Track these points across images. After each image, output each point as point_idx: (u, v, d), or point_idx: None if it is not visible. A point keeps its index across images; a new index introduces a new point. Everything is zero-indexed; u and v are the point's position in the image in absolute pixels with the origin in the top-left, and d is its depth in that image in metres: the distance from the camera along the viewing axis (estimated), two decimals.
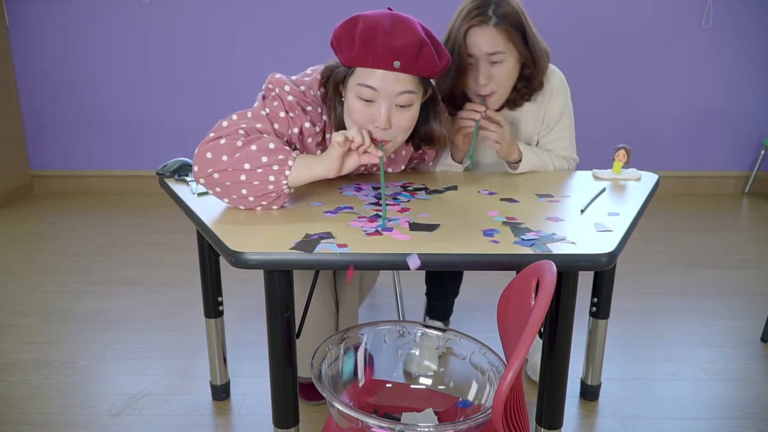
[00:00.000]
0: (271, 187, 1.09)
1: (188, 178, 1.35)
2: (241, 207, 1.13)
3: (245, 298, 2.05)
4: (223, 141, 1.09)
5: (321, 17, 3.12)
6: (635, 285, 2.22)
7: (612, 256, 0.94)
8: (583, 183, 1.38)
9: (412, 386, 1.11)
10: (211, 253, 1.42)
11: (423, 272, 1.84)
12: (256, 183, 1.08)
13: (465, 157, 1.40)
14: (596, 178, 1.43)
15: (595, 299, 1.46)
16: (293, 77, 1.24)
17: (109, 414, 1.49)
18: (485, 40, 1.31)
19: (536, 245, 0.95)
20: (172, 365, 1.71)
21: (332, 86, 1.18)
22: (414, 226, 1.05)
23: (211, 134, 1.12)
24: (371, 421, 0.87)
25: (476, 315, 1.98)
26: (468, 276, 2.13)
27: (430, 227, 1.05)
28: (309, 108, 1.21)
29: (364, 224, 1.06)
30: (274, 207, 1.13)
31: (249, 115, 1.17)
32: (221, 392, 1.55)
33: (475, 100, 1.40)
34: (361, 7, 1.28)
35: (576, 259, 0.94)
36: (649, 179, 1.42)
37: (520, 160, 1.43)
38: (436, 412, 1.04)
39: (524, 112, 1.48)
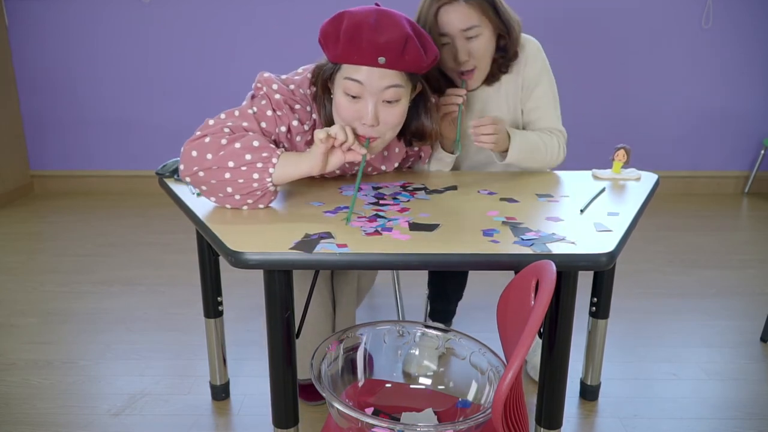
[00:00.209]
0: (255, 184, 1.09)
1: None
2: (228, 206, 1.14)
3: (245, 298, 2.05)
4: (207, 139, 1.10)
5: (321, 17, 3.09)
6: (635, 285, 2.22)
7: (612, 256, 0.94)
8: (583, 183, 1.38)
9: (412, 386, 1.12)
10: (211, 253, 1.42)
11: (424, 273, 1.84)
12: (240, 181, 1.09)
13: (453, 144, 1.39)
14: (596, 177, 1.43)
15: (595, 299, 1.46)
16: (283, 76, 1.24)
17: (109, 414, 1.49)
18: (458, 17, 1.31)
19: (536, 245, 0.95)
20: (172, 365, 1.71)
21: (321, 83, 1.19)
22: (414, 226, 1.05)
23: (198, 132, 1.13)
24: (371, 421, 0.87)
25: (476, 315, 1.98)
26: (468, 276, 2.12)
27: (430, 227, 1.05)
28: (297, 106, 1.20)
29: (364, 224, 1.06)
30: (260, 206, 1.14)
31: (236, 113, 1.17)
32: (221, 392, 1.55)
33: (457, 79, 1.40)
34: (359, 5, 1.27)
35: (576, 259, 0.94)
36: (648, 179, 1.42)
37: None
38: (435, 412, 1.04)
39: (503, 84, 1.46)
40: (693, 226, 2.93)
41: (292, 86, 1.21)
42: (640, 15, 3.25)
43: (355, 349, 1.10)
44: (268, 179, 1.09)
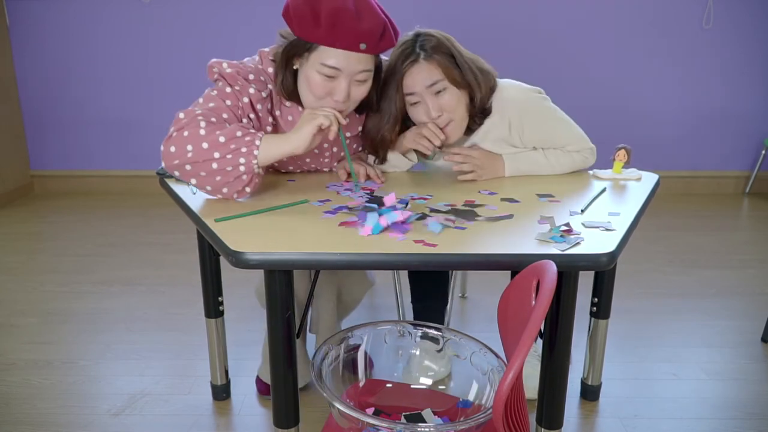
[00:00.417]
0: (242, 168, 1.13)
1: None
2: (219, 196, 1.17)
3: (245, 298, 2.05)
4: (186, 132, 1.13)
5: None
6: (635, 285, 2.22)
7: (612, 256, 0.94)
8: (584, 183, 1.38)
9: (412, 386, 1.11)
10: (211, 253, 1.42)
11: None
12: (228, 168, 1.13)
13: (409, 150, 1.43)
14: (597, 178, 1.43)
15: (596, 299, 1.46)
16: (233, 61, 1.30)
17: (109, 414, 1.49)
18: (421, 76, 1.32)
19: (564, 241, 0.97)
20: (172, 365, 1.71)
21: (285, 57, 1.23)
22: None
23: (171, 128, 1.17)
24: (372, 421, 0.87)
25: (476, 315, 1.98)
26: (468, 276, 2.13)
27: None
28: (251, 76, 1.26)
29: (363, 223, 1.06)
30: (248, 189, 1.17)
31: (200, 100, 1.23)
32: (221, 392, 1.55)
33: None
34: None
35: (576, 259, 0.94)
36: (649, 179, 1.42)
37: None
38: (435, 413, 1.04)
39: (483, 131, 1.43)
40: (693, 226, 2.93)
41: (241, 62, 1.28)
42: (641, 15, 3.25)
43: (355, 349, 1.10)
44: (254, 161, 1.14)
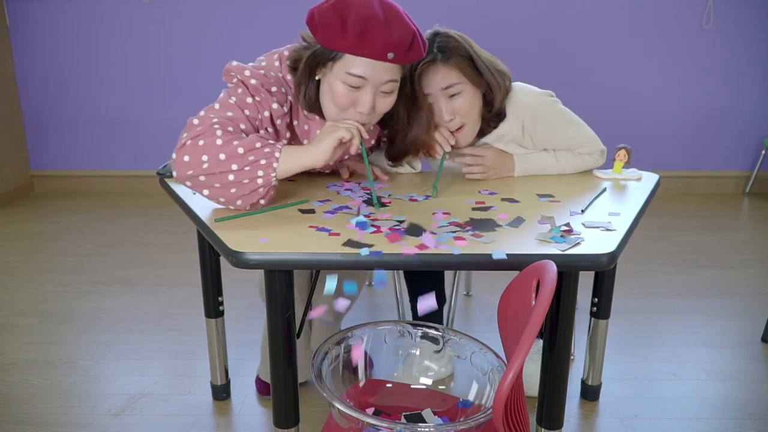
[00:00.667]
0: (260, 181, 1.08)
1: None
2: (231, 207, 1.12)
3: (245, 298, 2.05)
4: (201, 141, 1.07)
5: None
6: (636, 285, 2.22)
7: (613, 256, 0.94)
8: (584, 183, 1.38)
9: (412, 386, 1.11)
10: (211, 253, 1.42)
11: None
12: (245, 181, 1.07)
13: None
14: (597, 178, 1.43)
15: (596, 299, 1.46)
16: (250, 64, 1.24)
17: (109, 414, 1.49)
18: (437, 78, 1.30)
19: (564, 241, 0.96)
20: (172, 365, 1.71)
21: (309, 67, 1.17)
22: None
23: (184, 135, 1.10)
24: (372, 421, 0.87)
25: (476, 315, 1.98)
26: (472, 273, 2.13)
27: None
28: (273, 89, 1.20)
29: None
30: (262, 202, 1.13)
31: (216, 106, 1.16)
32: (221, 392, 1.55)
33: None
34: None
35: (576, 259, 0.94)
36: (649, 179, 1.42)
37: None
38: (435, 413, 1.04)
39: (497, 135, 1.44)
40: (693, 226, 2.93)
41: (262, 71, 1.20)
42: (641, 15, 3.25)
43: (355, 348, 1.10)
44: (273, 174, 1.09)
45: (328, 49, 1.12)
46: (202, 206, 1.15)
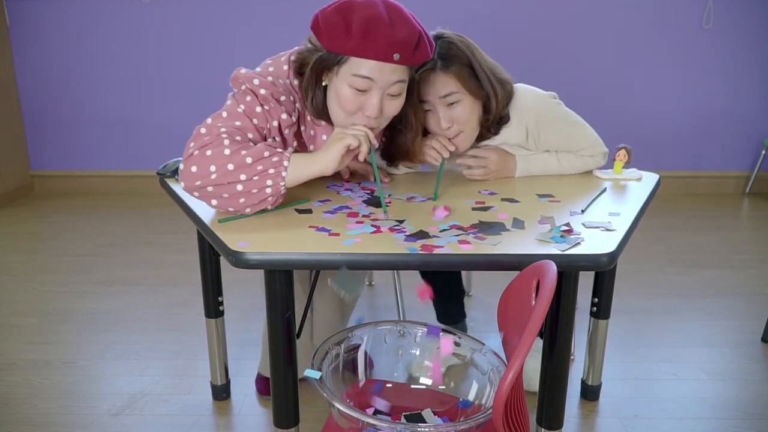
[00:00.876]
0: (269, 190, 1.07)
1: None
2: (239, 213, 1.11)
3: (245, 298, 2.05)
4: (209, 152, 1.05)
5: None
6: (636, 285, 2.22)
7: (613, 256, 0.94)
8: (584, 183, 1.38)
9: (412, 386, 1.11)
10: (211, 253, 1.42)
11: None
12: (254, 191, 1.06)
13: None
14: (597, 178, 1.43)
15: (596, 299, 1.46)
16: (257, 69, 1.21)
17: (109, 414, 1.49)
18: (435, 86, 1.29)
19: (564, 241, 0.96)
20: (172, 365, 1.71)
21: (315, 73, 1.15)
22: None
23: (191, 144, 1.08)
24: (372, 421, 0.87)
25: (476, 315, 1.98)
26: (472, 273, 2.12)
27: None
28: (282, 98, 1.18)
29: (363, 223, 1.06)
30: (269, 208, 1.12)
31: (224, 114, 1.13)
32: (221, 392, 1.55)
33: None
34: None
35: (576, 259, 0.94)
36: (650, 179, 1.42)
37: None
38: (435, 413, 1.04)
39: (500, 140, 1.43)
40: (693, 226, 2.93)
41: (270, 78, 1.18)
42: (641, 15, 3.25)
43: (355, 349, 1.10)
44: (282, 183, 1.07)
45: (333, 53, 1.10)
46: (202, 206, 1.15)
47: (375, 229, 1.03)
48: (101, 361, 1.73)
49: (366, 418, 0.88)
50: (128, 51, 3.34)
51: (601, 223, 1.08)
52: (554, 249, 0.94)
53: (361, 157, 1.13)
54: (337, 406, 0.90)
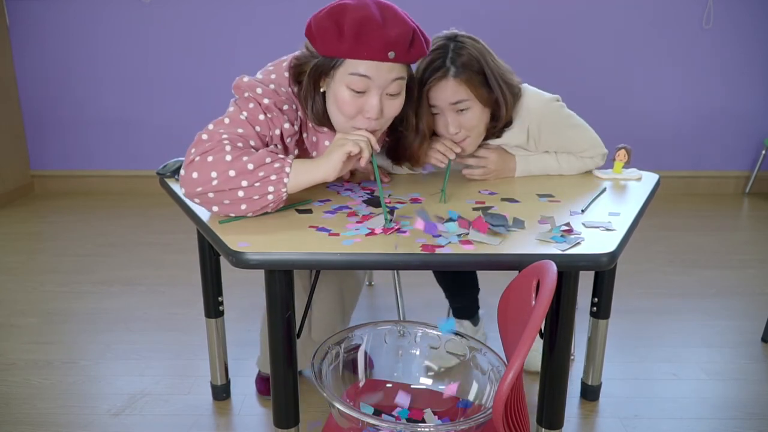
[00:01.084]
0: (270, 197, 1.06)
1: None
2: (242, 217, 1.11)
3: (245, 298, 2.05)
4: (210, 158, 1.05)
5: None
6: (636, 285, 2.22)
7: (613, 256, 0.94)
8: (584, 183, 1.38)
9: (412, 386, 1.12)
10: (211, 253, 1.42)
11: (425, 273, 1.84)
12: (256, 197, 1.06)
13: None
14: (597, 178, 1.43)
15: (596, 299, 1.46)
16: (259, 76, 1.20)
17: (109, 414, 1.49)
18: (446, 93, 1.28)
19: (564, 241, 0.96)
20: (172, 365, 1.71)
21: (313, 80, 1.14)
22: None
23: (192, 151, 1.07)
24: (371, 421, 0.87)
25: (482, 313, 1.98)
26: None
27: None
28: (285, 107, 1.17)
29: (362, 223, 1.06)
30: (270, 212, 1.12)
31: (226, 121, 1.12)
32: (221, 392, 1.55)
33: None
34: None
35: (576, 259, 0.94)
36: (649, 179, 1.42)
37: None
38: (435, 413, 1.04)
39: (501, 141, 1.43)
40: (693, 226, 2.93)
41: (272, 86, 1.17)
42: (641, 15, 3.25)
43: (355, 349, 1.10)
44: (284, 189, 1.07)
45: (328, 58, 1.10)
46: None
47: (369, 231, 1.02)
48: (101, 361, 1.73)
49: (366, 418, 0.88)
50: (128, 51, 3.34)
51: (601, 223, 1.08)
52: (554, 249, 0.94)
53: (363, 163, 1.12)
54: (337, 406, 0.90)
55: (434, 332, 1.12)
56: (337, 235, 1.01)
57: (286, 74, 1.20)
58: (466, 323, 1.73)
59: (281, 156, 1.08)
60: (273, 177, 1.05)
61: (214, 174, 1.04)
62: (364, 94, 1.11)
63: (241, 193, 1.04)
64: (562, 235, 1.00)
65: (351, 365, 1.09)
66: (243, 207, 1.06)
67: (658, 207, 3.07)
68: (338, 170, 1.09)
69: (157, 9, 3.27)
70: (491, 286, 2.06)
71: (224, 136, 1.08)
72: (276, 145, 1.17)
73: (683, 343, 1.82)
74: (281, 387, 1.04)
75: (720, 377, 1.64)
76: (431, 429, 0.95)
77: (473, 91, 1.28)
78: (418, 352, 1.13)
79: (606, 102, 3.36)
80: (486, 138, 1.41)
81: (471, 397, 1.04)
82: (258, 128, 1.13)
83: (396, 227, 1.04)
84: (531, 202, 1.22)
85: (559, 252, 0.93)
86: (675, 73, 3.35)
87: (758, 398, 1.55)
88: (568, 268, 0.96)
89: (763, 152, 3.39)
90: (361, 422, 0.89)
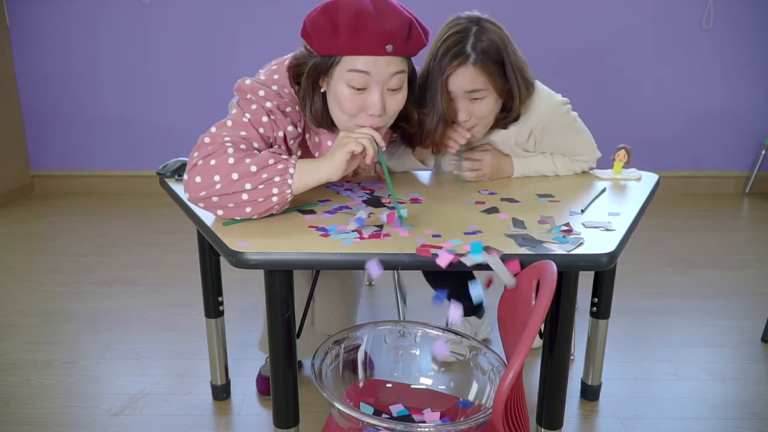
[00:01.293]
0: (275, 198, 1.05)
1: None
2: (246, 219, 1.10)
3: (245, 298, 2.05)
4: (213, 161, 1.04)
5: None
6: (636, 285, 2.22)
7: (612, 256, 0.94)
8: (584, 183, 1.38)
9: (412, 386, 1.12)
10: (211, 253, 1.42)
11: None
12: (260, 199, 1.05)
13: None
14: (597, 178, 1.43)
15: (596, 299, 1.46)
16: (261, 77, 1.19)
17: (109, 414, 1.49)
18: (465, 81, 1.27)
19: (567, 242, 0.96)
20: (172, 365, 1.71)
21: (311, 79, 1.13)
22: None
23: (195, 154, 1.06)
24: (371, 421, 0.87)
25: None
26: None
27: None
28: (288, 109, 1.16)
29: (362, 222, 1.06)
30: (274, 213, 1.11)
31: (229, 123, 1.11)
32: (221, 392, 1.55)
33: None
34: None
35: (576, 259, 0.93)
36: (649, 179, 1.42)
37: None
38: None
39: (504, 138, 1.43)
40: (693, 226, 2.93)
41: (275, 87, 1.16)
42: (641, 15, 3.25)
43: (355, 349, 1.10)
44: (288, 191, 1.06)
45: (326, 57, 1.09)
46: None
47: (358, 236, 1.01)
48: (101, 361, 1.73)
49: (366, 418, 0.88)
50: (128, 51, 3.34)
51: (601, 222, 1.08)
52: (554, 249, 0.94)
53: (368, 160, 1.10)
54: (337, 406, 0.90)
55: (434, 332, 1.12)
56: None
57: (287, 72, 1.19)
58: (471, 317, 1.73)
59: (284, 157, 1.07)
60: (277, 179, 1.04)
61: (217, 177, 1.03)
62: (364, 92, 1.09)
63: (245, 196, 1.03)
64: (562, 236, 1.00)
65: (351, 365, 1.09)
66: (247, 210, 1.05)
67: (658, 207, 3.07)
68: (342, 169, 1.08)
69: (157, 9, 3.27)
70: (492, 286, 2.07)
71: (227, 138, 1.07)
72: (279, 147, 1.16)
73: (683, 343, 1.82)
74: (281, 387, 1.04)
75: (720, 377, 1.64)
76: (431, 429, 0.95)
77: (490, 81, 1.27)
78: (418, 352, 1.13)
79: (606, 102, 3.36)
80: (493, 128, 1.40)
81: (471, 397, 1.04)
82: (261, 130, 1.12)
83: (384, 233, 1.02)
84: (531, 202, 1.22)
85: (559, 252, 0.93)
86: (675, 73, 3.35)
87: (758, 398, 1.55)
88: (568, 268, 0.96)
89: (763, 152, 3.39)
90: (361, 422, 0.89)
